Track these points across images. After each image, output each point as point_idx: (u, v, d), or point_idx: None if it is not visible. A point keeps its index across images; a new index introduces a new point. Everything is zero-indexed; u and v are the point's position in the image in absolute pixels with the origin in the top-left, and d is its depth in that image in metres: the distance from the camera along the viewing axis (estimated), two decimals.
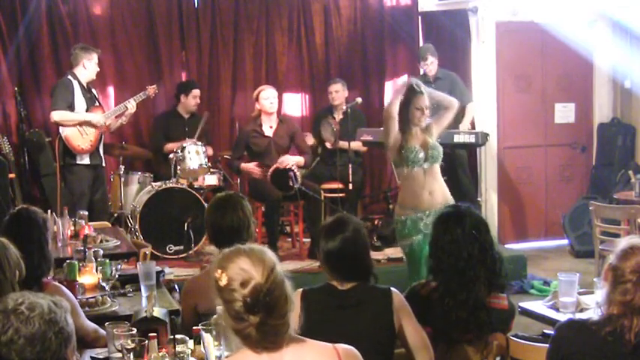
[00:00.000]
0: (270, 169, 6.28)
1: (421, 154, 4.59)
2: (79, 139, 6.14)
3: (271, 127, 6.55)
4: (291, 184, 6.11)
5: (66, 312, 1.85)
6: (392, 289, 2.82)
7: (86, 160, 6.21)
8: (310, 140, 7.20)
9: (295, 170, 6.25)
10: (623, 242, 2.42)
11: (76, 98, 6.17)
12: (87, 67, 6.17)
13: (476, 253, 2.92)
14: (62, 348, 1.80)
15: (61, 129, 6.14)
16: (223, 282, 1.92)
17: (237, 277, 1.91)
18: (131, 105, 6.37)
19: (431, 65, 7.21)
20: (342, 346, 2.03)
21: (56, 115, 6.12)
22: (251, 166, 6.46)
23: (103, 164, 6.45)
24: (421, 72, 7.57)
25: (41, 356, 1.76)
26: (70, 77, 6.19)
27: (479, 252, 2.93)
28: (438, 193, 4.67)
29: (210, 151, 6.89)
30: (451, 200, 4.59)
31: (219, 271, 1.95)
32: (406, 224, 4.65)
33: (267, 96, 6.47)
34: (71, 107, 6.15)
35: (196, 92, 6.98)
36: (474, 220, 2.99)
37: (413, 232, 4.62)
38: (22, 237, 3.04)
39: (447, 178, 6.95)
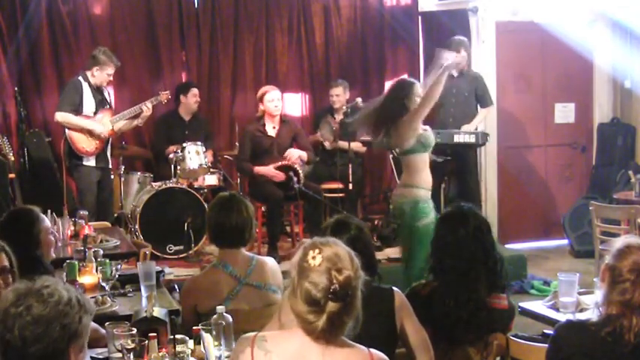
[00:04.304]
0: (275, 165, 6.28)
1: (431, 139, 4.88)
2: (85, 141, 6.14)
3: (274, 127, 6.54)
4: (291, 183, 6.12)
5: (85, 312, 1.87)
6: (394, 288, 2.83)
7: (92, 162, 6.22)
8: (319, 137, 7.19)
9: (299, 169, 6.25)
10: (619, 242, 2.42)
11: (84, 100, 6.16)
12: (95, 76, 6.17)
13: (478, 253, 2.92)
14: (64, 341, 1.82)
15: (66, 130, 6.14)
16: (317, 261, 1.94)
17: (331, 262, 1.95)
18: (146, 107, 6.33)
19: (461, 60, 6.79)
20: (378, 354, 2.07)
21: (59, 117, 6.13)
22: (267, 169, 6.35)
23: (110, 165, 6.45)
24: (423, 70, 7.56)
25: (39, 339, 1.78)
26: (80, 78, 6.19)
27: (481, 252, 2.93)
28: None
29: (210, 157, 6.87)
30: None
31: (316, 250, 1.96)
32: (429, 204, 4.83)
33: (272, 98, 6.45)
34: (78, 109, 6.14)
35: (195, 91, 6.98)
36: (477, 221, 2.99)
37: (430, 212, 4.77)
38: (20, 236, 3.04)
39: (449, 179, 7.01)
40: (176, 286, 4.22)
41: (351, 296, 1.95)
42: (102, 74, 6.16)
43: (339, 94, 7.14)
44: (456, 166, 7.07)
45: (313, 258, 1.95)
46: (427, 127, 4.92)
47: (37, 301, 1.80)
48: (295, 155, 6.40)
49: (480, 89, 7.07)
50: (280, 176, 6.28)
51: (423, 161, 4.85)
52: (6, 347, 1.80)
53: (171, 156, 6.48)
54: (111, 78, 6.30)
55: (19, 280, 1.92)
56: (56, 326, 1.80)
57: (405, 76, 5.25)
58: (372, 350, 2.05)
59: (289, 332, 2.02)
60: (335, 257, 1.95)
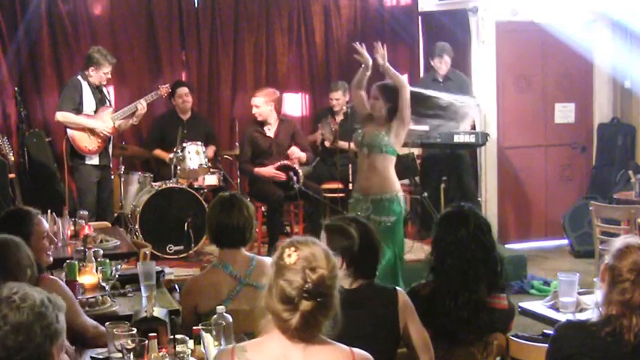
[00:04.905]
0: (275, 166, 6.28)
1: (359, 138, 4.94)
2: (87, 140, 6.15)
3: (270, 128, 6.55)
4: (291, 183, 6.12)
5: (59, 310, 1.84)
6: (397, 288, 2.83)
7: (95, 161, 6.22)
8: (319, 136, 7.19)
9: (298, 169, 6.25)
10: (618, 242, 2.42)
11: (84, 99, 6.16)
12: (92, 75, 6.17)
13: (478, 253, 2.92)
14: (47, 343, 1.79)
15: (68, 129, 6.14)
16: (291, 260, 1.94)
17: (307, 260, 1.94)
18: (141, 105, 6.35)
19: (444, 64, 7.11)
20: (359, 352, 2.06)
21: (60, 116, 6.13)
22: (267, 170, 6.37)
23: (111, 164, 6.46)
24: (423, 70, 7.57)
25: (23, 346, 1.75)
26: (80, 77, 6.19)
27: (481, 253, 2.93)
28: (374, 182, 4.91)
29: (212, 152, 6.87)
30: (389, 194, 4.87)
31: (292, 248, 1.97)
32: (353, 203, 4.98)
33: (253, 104, 6.49)
34: (79, 108, 6.14)
35: (181, 91, 6.92)
36: (478, 221, 2.99)
37: (355, 212, 4.79)
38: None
39: (448, 179, 7.04)
40: (176, 286, 4.22)
41: (326, 295, 1.93)
42: (98, 73, 6.16)
43: (339, 98, 7.15)
44: (452, 166, 7.10)
45: (289, 256, 1.95)
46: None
47: (11, 309, 1.76)
48: (297, 153, 6.42)
49: (467, 91, 7.16)
50: (281, 176, 6.29)
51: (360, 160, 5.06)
52: None
53: (171, 156, 6.48)
54: (109, 76, 6.29)
55: None
56: (37, 330, 1.77)
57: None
58: (354, 349, 2.05)
59: (267, 338, 2.01)
60: (311, 256, 1.95)
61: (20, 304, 1.77)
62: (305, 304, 1.91)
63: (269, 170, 6.35)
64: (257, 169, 6.42)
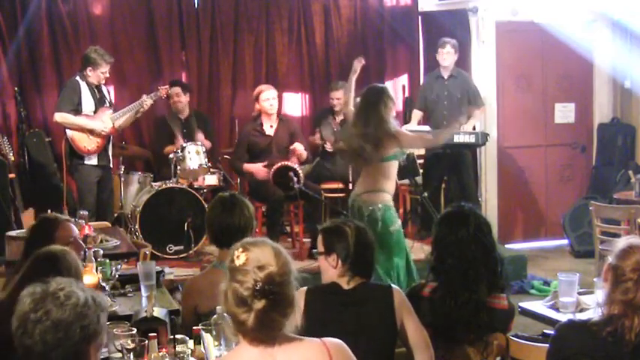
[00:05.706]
0: (274, 168, 6.28)
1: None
2: (86, 140, 6.14)
3: (271, 126, 6.56)
4: (291, 184, 6.12)
5: (101, 310, 1.89)
6: (393, 286, 2.85)
7: (94, 161, 6.22)
8: (318, 140, 7.20)
9: (298, 169, 6.25)
10: (621, 242, 2.43)
11: (83, 99, 6.16)
12: (90, 75, 6.16)
13: (479, 253, 2.92)
14: (84, 342, 1.84)
15: (67, 130, 6.14)
16: (241, 261, 1.95)
17: (256, 260, 1.94)
18: (147, 103, 6.36)
19: (446, 55, 7.04)
20: (331, 341, 2.05)
21: (58, 117, 6.13)
22: (256, 167, 6.42)
23: (111, 165, 6.45)
24: (423, 70, 7.56)
25: (61, 343, 1.80)
26: (78, 78, 6.18)
27: (481, 253, 2.93)
28: None
29: (208, 144, 6.84)
30: None
31: (241, 249, 1.97)
32: (393, 210, 4.82)
33: (267, 97, 6.46)
34: (78, 109, 6.13)
35: (173, 91, 6.89)
36: (478, 221, 2.99)
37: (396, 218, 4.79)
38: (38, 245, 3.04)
39: (448, 178, 7.05)
40: (179, 287, 4.22)
41: (277, 293, 1.92)
42: (96, 73, 6.15)
43: (340, 98, 7.14)
44: (452, 166, 7.10)
45: (238, 257, 1.96)
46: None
47: (55, 305, 1.81)
48: (300, 149, 6.42)
49: (471, 91, 7.14)
50: (263, 173, 6.28)
51: (396, 168, 4.90)
52: (27, 352, 1.82)
53: (171, 156, 6.48)
54: (107, 75, 6.27)
55: (32, 285, 1.91)
56: (76, 329, 1.82)
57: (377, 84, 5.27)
58: (326, 339, 2.04)
59: (236, 351, 2.02)
60: (260, 255, 1.95)
61: (64, 302, 1.82)
62: (258, 304, 1.91)
63: (257, 167, 6.37)
64: (246, 165, 6.43)
